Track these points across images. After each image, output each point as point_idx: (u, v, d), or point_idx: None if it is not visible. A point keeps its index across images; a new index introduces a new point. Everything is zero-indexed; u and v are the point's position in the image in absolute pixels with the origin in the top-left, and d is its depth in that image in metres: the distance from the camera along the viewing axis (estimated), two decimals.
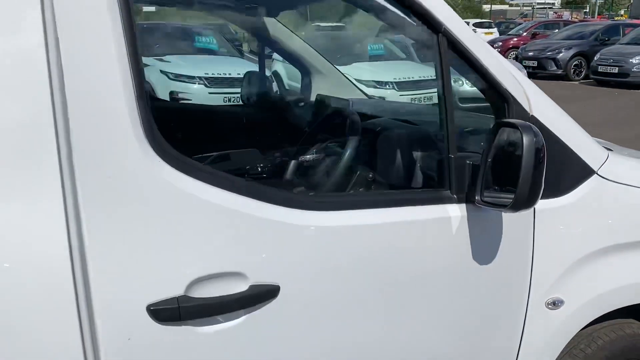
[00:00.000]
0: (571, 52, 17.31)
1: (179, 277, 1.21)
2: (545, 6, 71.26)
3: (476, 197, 1.52)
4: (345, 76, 3.17)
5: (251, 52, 7.71)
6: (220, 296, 1.25)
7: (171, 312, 1.20)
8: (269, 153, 2.26)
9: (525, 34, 23.89)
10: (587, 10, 67.37)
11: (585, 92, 14.27)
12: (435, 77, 1.59)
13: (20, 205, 1.11)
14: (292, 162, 2.06)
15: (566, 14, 54.98)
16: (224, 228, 1.26)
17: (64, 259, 1.13)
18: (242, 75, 3.33)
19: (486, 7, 59.83)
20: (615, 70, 15.23)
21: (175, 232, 1.21)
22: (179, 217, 1.22)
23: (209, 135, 2.26)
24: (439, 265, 1.58)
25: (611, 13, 62.30)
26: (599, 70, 15.65)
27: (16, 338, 1.12)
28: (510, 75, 1.66)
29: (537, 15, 54.59)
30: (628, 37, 16.96)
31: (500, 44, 21.08)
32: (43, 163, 1.12)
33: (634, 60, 14.84)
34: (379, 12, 1.74)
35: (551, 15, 54.33)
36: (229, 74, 7.01)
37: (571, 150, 1.73)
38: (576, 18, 49.09)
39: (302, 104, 2.89)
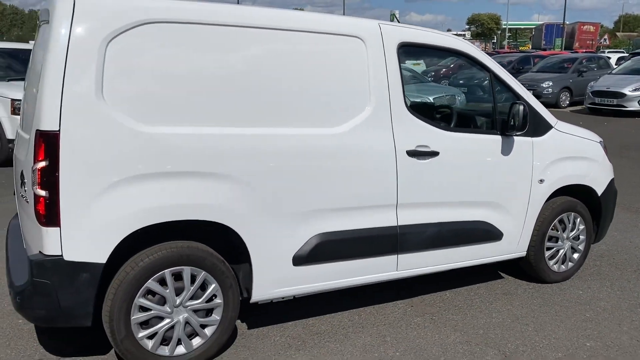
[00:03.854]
0: None
1: (412, 143, 3.61)
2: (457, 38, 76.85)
3: (505, 132, 4.00)
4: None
5: None
6: (420, 151, 3.62)
7: (411, 153, 3.60)
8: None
9: (452, 65, 27.13)
10: (495, 41, 73.58)
11: None
12: None
13: (384, 122, 3.55)
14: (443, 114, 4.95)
15: (477, 45, 59.37)
16: (421, 130, 3.67)
17: (391, 142, 3.56)
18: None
19: None
20: (531, 93, 18.49)
21: (408, 130, 3.61)
22: (413, 129, 3.64)
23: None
24: (494, 156, 4.01)
25: (517, 42, 68.70)
26: None
27: (370, 179, 3.55)
28: (520, 87, 4.15)
29: None
30: (537, 66, 20.58)
31: (434, 73, 24.09)
32: (384, 117, 3.55)
33: (544, 85, 18.29)
34: (470, 65, 4.18)
35: None
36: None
37: (544, 118, 4.26)
38: (487, 49, 53.98)
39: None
